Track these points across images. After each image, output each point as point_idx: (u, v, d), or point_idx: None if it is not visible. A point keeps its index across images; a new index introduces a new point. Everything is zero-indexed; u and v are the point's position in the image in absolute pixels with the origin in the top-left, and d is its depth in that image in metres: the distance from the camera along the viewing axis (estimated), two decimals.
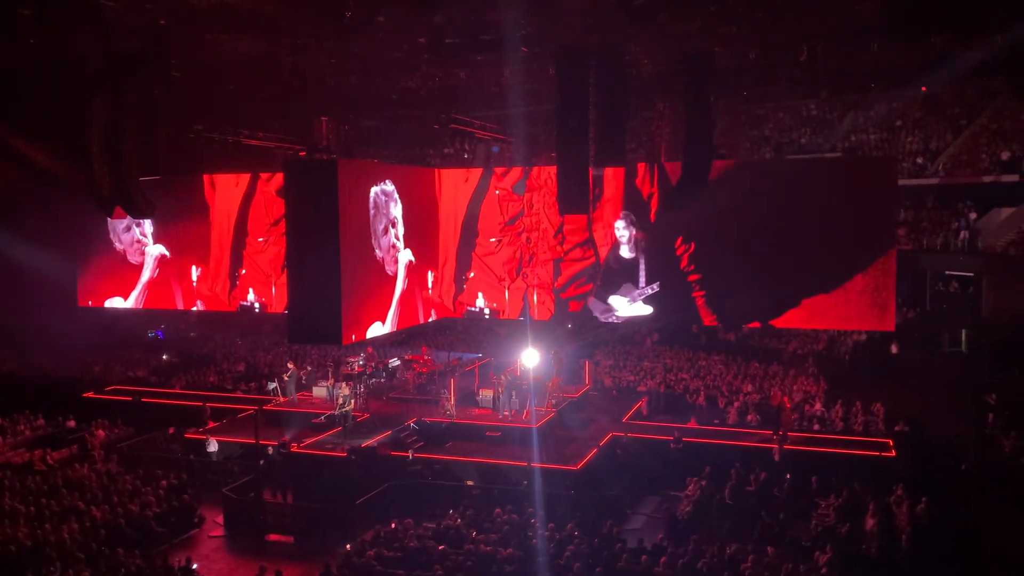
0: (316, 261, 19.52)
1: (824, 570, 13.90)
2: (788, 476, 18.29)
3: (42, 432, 24.01)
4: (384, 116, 28.72)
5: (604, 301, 23.07)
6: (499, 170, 24.19)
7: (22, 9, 13.58)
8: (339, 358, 28.19)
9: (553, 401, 22.82)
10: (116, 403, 26.29)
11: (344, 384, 22.67)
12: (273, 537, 18.06)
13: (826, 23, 16.08)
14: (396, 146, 36.35)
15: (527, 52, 15.70)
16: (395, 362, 26.53)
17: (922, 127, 32.53)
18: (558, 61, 15.52)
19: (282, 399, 24.32)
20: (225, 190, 25.85)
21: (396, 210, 22.55)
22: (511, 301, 24.23)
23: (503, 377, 22.63)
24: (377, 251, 21.65)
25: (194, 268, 26.28)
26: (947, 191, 29.90)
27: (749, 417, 23.09)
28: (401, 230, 22.82)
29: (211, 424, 23.61)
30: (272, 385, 24.66)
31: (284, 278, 22.59)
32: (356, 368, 24.33)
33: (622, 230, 22.80)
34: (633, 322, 24.21)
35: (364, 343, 24.69)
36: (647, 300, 22.65)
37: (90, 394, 27.15)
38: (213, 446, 21.77)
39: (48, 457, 21.64)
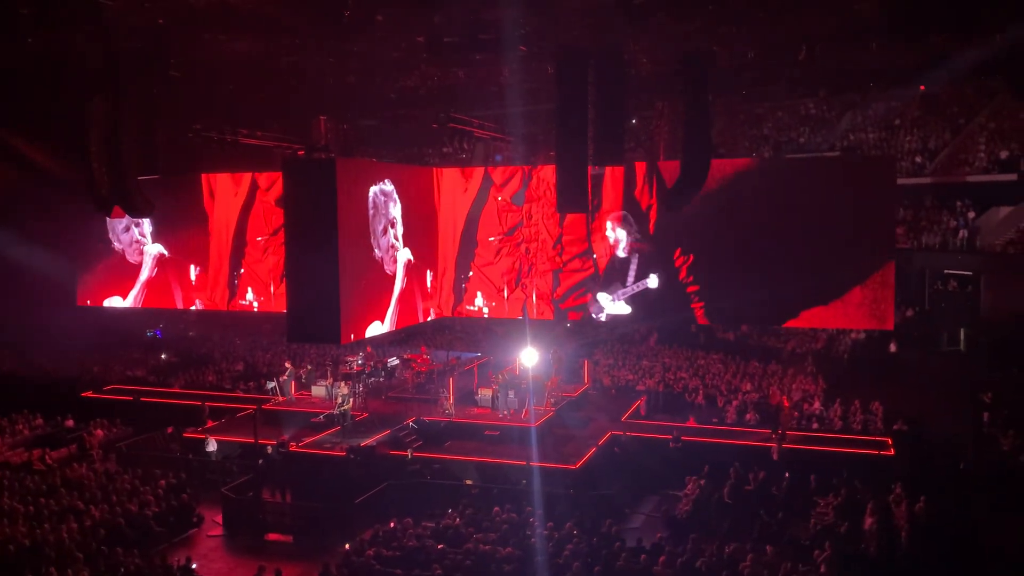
0: (315, 260, 19.52)
1: (823, 569, 13.91)
2: (787, 475, 18.32)
3: (41, 432, 23.99)
4: (383, 115, 28.72)
5: (595, 298, 23.21)
6: (498, 181, 24.18)
7: (22, 9, 13.58)
8: (338, 357, 28.20)
9: (552, 400, 22.83)
10: (115, 403, 26.28)
11: (343, 383, 22.67)
12: (272, 536, 18.04)
13: (825, 23, 16.09)
14: (395, 145, 36.35)
15: (526, 51, 15.71)
16: (394, 361, 26.52)
17: (921, 126, 32.53)
18: (557, 61, 15.53)
19: (281, 398, 24.33)
20: (224, 199, 25.83)
21: (395, 210, 22.55)
22: (510, 311, 24.35)
23: (500, 376, 22.64)
24: (376, 250, 21.65)
25: (192, 267, 26.27)
26: (946, 190, 29.89)
27: (748, 416, 23.11)
28: (400, 230, 22.82)
29: (210, 423, 23.61)
30: (271, 384, 24.67)
31: (283, 287, 22.58)
32: (355, 367, 24.33)
33: (609, 231, 22.89)
34: (620, 321, 24.25)
35: (363, 342, 24.70)
36: (629, 300, 22.77)
37: (89, 393, 27.13)
38: (212, 445, 21.75)
39: (47, 457, 21.62)
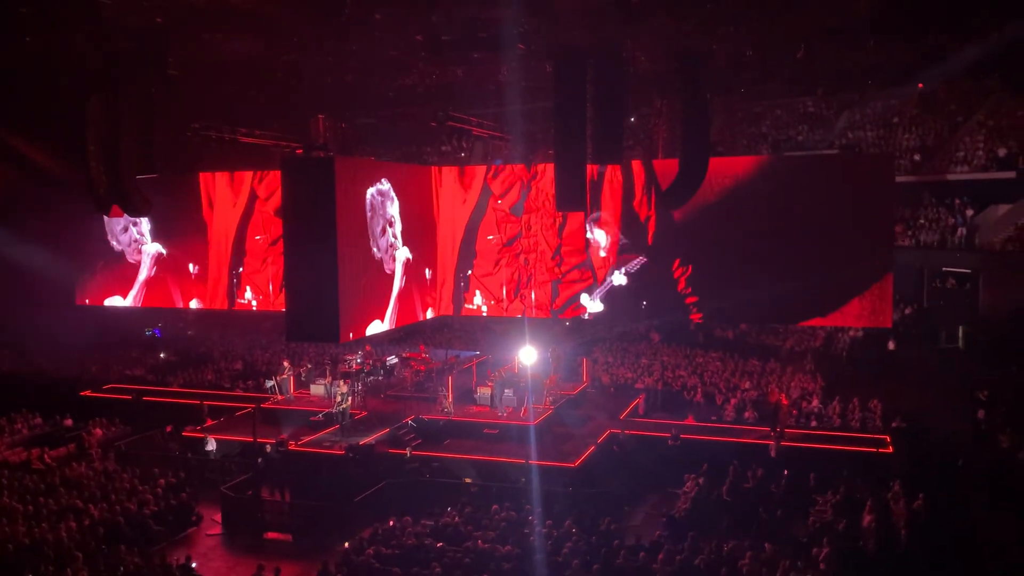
0: (314, 259, 19.52)
1: (822, 566, 13.93)
2: (786, 473, 18.33)
3: (40, 431, 23.99)
4: (381, 114, 28.72)
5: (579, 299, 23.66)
6: (497, 191, 24.20)
7: (20, 8, 13.58)
8: (337, 356, 28.21)
9: (551, 398, 22.85)
10: (114, 402, 26.29)
11: (342, 382, 22.66)
12: (271, 535, 18.04)
13: (823, 21, 16.08)
14: (393, 144, 36.35)
15: (524, 50, 15.70)
16: (393, 360, 26.53)
17: (919, 124, 32.56)
18: (556, 59, 15.53)
19: (279, 397, 24.33)
20: (223, 209, 25.85)
21: (393, 208, 22.56)
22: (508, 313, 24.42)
23: (497, 373, 22.66)
24: (375, 249, 21.65)
25: (191, 266, 26.27)
26: (944, 188, 29.92)
27: (747, 414, 23.12)
28: (399, 228, 22.82)
29: (209, 422, 23.62)
30: (270, 383, 24.68)
31: (282, 296, 22.66)
32: (354, 366, 24.34)
33: (588, 233, 23.15)
34: (619, 320, 24.40)
35: (362, 341, 24.71)
36: (603, 297, 23.01)
37: (88, 393, 27.14)
38: (211, 444, 21.76)
39: (46, 456, 21.60)
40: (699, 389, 25.40)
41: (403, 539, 15.35)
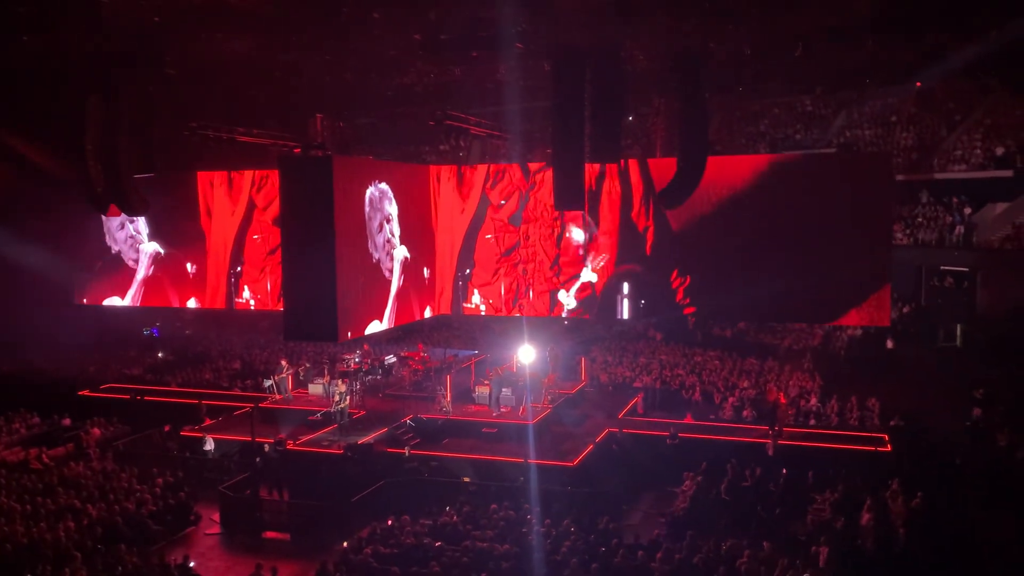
0: (312, 259, 19.50)
1: (820, 565, 13.94)
2: (784, 471, 18.34)
3: (38, 430, 23.96)
4: (379, 113, 28.70)
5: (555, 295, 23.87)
6: (495, 201, 24.22)
7: (18, 8, 13.56)
8: (335, 355, 28.20)
9: (549, 397, 22.85)
10: (112, 401, 26.26)
11: (340, 381, 22.65)
12: (270, 534, 18.05)
13: (823, 20, 16.08)
14: (391, 143, 36.29)
15: (522, 49, 15.69)
16: (391, 359, 26.53)
17: (916, 123, 32.57)
18: (554, 58, 15.51)
19: (278, 396, 24.32)
20: (221, 219, 25.83)
21: (391, 207, 22.54)
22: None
23: (494, 371, 22.66)
24: (373, 249, 21.64)
25: (189, 265, 26.25)
26: (942, 186, 29.94)
27: (745, 413, 23.12)
28: (397, 227, 22.81)
29: (207, 422, 23.60)
30: (268, 382, 24.66)
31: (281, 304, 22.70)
32: (352, 365, 24.34)
33: (568, 232, 23.26)
34: (618, 318, 24.52)
35: (360, 340, 24.68)
36: (577, 295, 23.33)
37: (86, 392, 27.10)
38: (209, 444, 21.76)
39: (44, 455, 21.59)
40: (697, 388, 25.41)
41: (401, 538, 15.36)
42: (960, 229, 28.05)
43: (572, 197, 16.11)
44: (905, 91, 32.13)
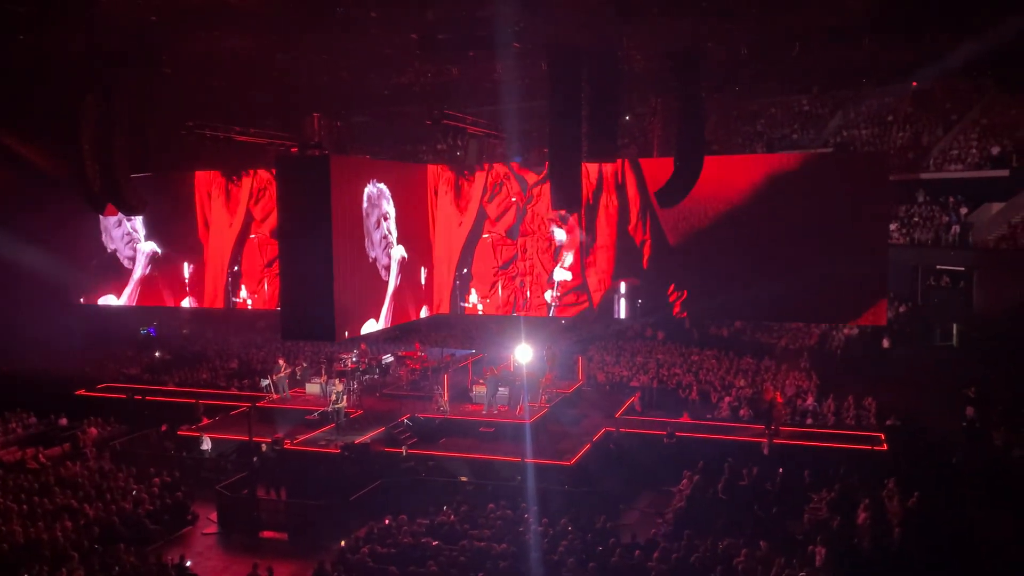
0: (309, 258, 19.50)
1: (817, 564, 13.96)
2: (781, 470, 18.36)
3: (34, 430, 23.95)
4: (376, 112, 28.67)
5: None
6: (492, 215, 24.27)
7: (15, 7, 13.53)
8: (332, 354, 28.17)
9: (546, 397, 22.86)
10: (108, 401, 26.22)
11: (337, 381, 22.64)
12: (267, 534, 18.03)
13: (822, 20, 16.10)
14: (388, 142, 36.28)
15: (519, 48, 15.69)
16: (388, 358, 26.52)
17: (913, 122, 32.60)
18: (551, 58, 15.51)
19: (275, 396, 24.30)
20: (219, 230, 25.81)
21: (388, 206, 22.54)
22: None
23: (491, 370, 22.67)
24: (370, 248, 21.64)
25: (186, 265, 26.23)
26: (938, 186, 29.97)
27: (742, 412, 23.15)
28: (394, 226, 22.81)
29: (204, 421, 23.58)
30: (265, 382, 24.64)
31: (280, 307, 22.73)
32: (349, 364, 24.32)
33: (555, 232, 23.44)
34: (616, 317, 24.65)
35: (357, 339, 24.67)
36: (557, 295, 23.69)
37: (82, 392, 27.06)
38: (206, 443, 21.74)
39: (40, 455, 21.56)
40: (694, 387, 25.43)
41: (399, 537, 15.36)
42: (956, 229, 28.07)
43: (569, 196, 16.12)
44: (901, 91, 32.17)
